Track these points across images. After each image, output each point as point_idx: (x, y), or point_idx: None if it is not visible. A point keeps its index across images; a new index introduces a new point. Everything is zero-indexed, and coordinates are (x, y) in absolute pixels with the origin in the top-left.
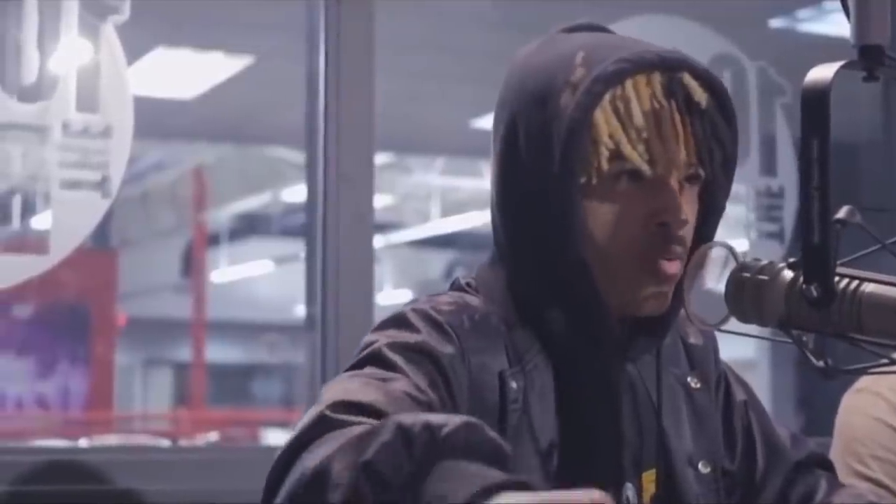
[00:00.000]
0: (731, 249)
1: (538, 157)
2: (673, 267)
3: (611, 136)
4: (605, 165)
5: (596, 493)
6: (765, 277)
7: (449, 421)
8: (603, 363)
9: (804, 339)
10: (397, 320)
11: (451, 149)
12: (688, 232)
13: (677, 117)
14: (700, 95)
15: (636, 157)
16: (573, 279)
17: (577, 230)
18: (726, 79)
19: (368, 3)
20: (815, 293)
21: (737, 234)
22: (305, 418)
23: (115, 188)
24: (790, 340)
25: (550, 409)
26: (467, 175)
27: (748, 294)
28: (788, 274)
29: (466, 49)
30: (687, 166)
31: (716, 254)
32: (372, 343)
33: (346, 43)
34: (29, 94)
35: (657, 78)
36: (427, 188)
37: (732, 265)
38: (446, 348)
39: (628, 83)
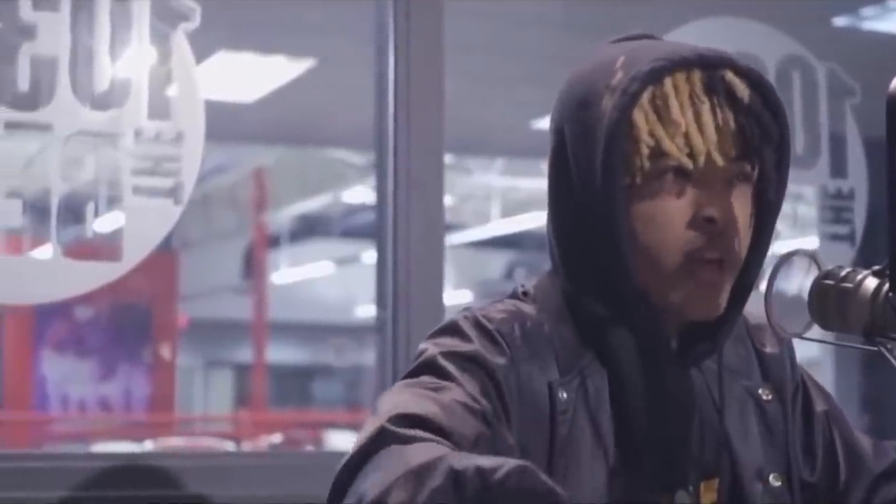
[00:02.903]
0: (813, 256)
1: (583, 163)
2: (716, 274)
3: (650, 134)
4: (647, 164)
5: None
6: (849, 285)
7: (502, 465)
8: (658, 370)
9: (889, 346)
10: (450, 329)
11: (512, 149)
12: (739, 231)
13: (718, 111)
14: (742, 91)
15: (676, 150)
16: (627, 300)
17: (624, 235)
18: (795, 80)
19: (438, 5)
20: None
21: (807, 236)
22: (365, 431)
23: (187, 194)
24: (875, 348)
25: (606, 416)
26: (527, 175)
27: (831, 302)
28: (873, 282)
29: (528, 50)
30: (733, 161)
31: (798, 261)
32: (425, 351)
33: (416, 45)
34: (101, 102)
35: (697, 75)
36: (487, 189)
37: (815, 272)
38: (498, 359)
39: (667, 81)
